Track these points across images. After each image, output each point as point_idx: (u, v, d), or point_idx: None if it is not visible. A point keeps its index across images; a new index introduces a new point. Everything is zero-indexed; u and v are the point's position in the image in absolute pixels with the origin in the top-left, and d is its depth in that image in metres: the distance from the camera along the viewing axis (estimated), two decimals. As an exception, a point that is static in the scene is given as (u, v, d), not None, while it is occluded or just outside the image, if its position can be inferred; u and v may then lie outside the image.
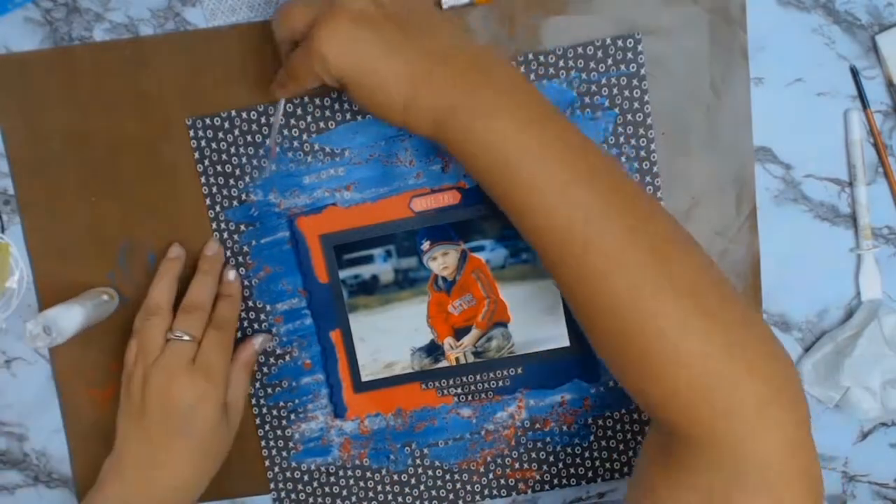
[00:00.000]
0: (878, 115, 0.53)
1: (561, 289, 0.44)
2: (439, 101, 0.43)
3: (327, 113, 0.54)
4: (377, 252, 0.55)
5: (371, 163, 0.54)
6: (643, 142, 0.53)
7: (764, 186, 0.54)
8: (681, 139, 0.53)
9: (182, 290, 0.54)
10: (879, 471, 0.58)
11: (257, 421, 0.58)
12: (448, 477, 0.58)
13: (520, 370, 0.56)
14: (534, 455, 0.57)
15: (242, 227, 0.56)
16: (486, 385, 0.57)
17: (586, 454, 0.57)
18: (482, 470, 0.58)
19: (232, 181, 0.55)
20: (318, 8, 0.44)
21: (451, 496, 0.58)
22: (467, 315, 0.56)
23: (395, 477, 0.58)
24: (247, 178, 0.55)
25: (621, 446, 0.57)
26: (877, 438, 0.57)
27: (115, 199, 0.56)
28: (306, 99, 0.54)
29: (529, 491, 0.58)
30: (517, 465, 0.58)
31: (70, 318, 0.51)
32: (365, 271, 0.55)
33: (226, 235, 0.56)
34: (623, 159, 0.53)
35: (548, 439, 0.57)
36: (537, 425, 0.57)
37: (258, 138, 0.54)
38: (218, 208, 0.56)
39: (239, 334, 0.57)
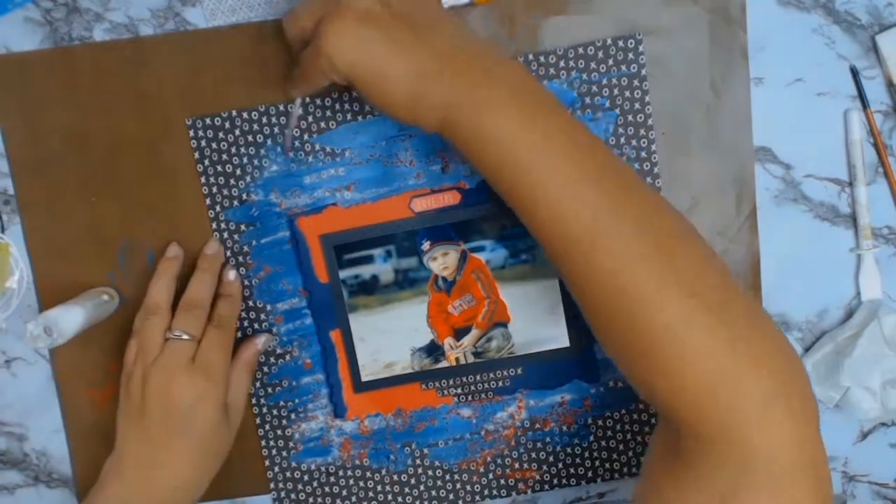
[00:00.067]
0: (878, 115, 0.53)
1: (567, 284, 0.44)
2: (446, 99, 0.43)
3: (328, 113, 0.54)
4: (377, 252, 0.55)
5: (371, 163, 0.54)
6: (644, 142, 0.53)
7: (764, 186, 0.54)
8: (681, 139, 0.53)
9: (182, 289, 0.54)
10: (879, 471, 0.58)
11: (257, 420, 0.58)
12: (448, 477, 0.58)
13: (520, 370, 0.56)
14: (534, 455, 0.57)
15: (243, 227, 0.56)
16: (486, 385, 0.57)
17: (586, 454, 0.57)
18: (482, 470, 0.58)
19: (232, 181, 0.55)
20: (325, 7, 0.44)
21: (451, 496, 0.58)
22: (467, 315, 0.56)
23: (395, 477, 0.58)
24: (247, 178, 0.55)
25: (621, 446, 0.57)
26: (877, 438, 0.57)
27: (115, 199, 0.56)
28: (307, 99, 0.54)
29: (529, 491, 0.58)
30: (517, 466, 0.58)
31: (70, 318, 0.51)
32: (365, 271, 0.55)
33: (226, 235, 0.56)
34: (623, 160, 0.53)
35: (548, 439, 0.57)
36: (537, 425, 0.57)
37: (259, 138, 0.54)
38: (218, 208, 0.56)
39: (239, 334, 0.57)
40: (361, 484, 0.58)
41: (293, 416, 0.58)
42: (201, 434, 0.51)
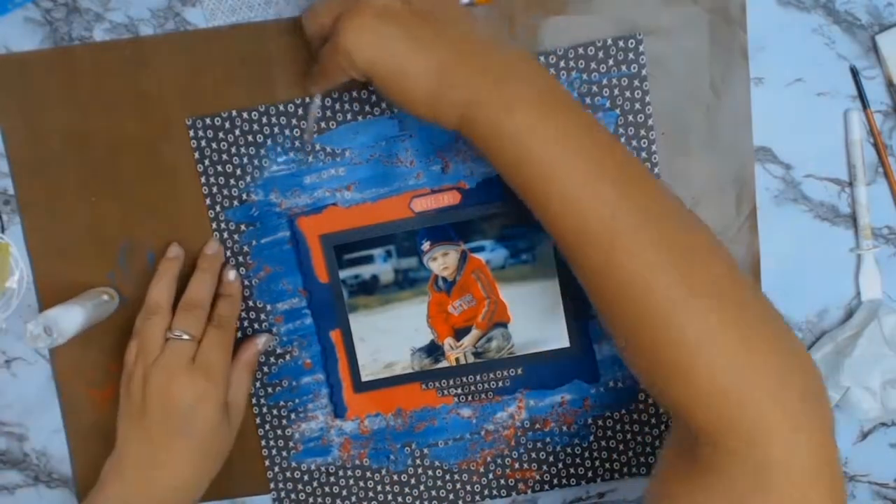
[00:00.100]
0: (878, 115, 0.53)
1: (580, 278, 0.44)
2: (466, 97, 0.43)
3: (328, 113, 0.54)
4: (377, 252, 0.55)
5: (371, 163, 0.54)
6: (644, 142, 0.53)
7: (764, 186, 0.54)
8: (681, 139, 0.53)
9: (182, 289, 0.54)
10: (879, 471, 0.58)
11: (257, 420, 0.58)
12: (448, 477, 0.58)
13: (520, 370, 0.56)
14: (534, 455, 0.57)
15: (243, 227, 0.56)
16: (486, 385, 0.57)
17: (586, 454, 0.57)
18: (482, 470, 0.58)
19: (232, 181, 0.55)
20: (344, 4, 0.44)
21: (451, 496, 0.58)
22: (467, 315, 0.56)
23: (395, 477, 0.58)
24: (247, 178, 0.55)
25: (621, 446, 0.57)
26: (877, 438, 0.57)
27: (115, 199, 0.56)
28: (308, 99, 0.54)
29: (529, 491, 0.58)
30: (517, 466, 0.58)
31: (70, 318, 0.51)
32: (365, 271, 0.55)
33: (226, 235, 0.56)
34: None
35: (548, 439, 0.57)
36: (537, 425, 0.57)
37: (259, 138, 0.54)
38: (218, 208, 0.56)
39: (239, 334, 0.57)
40: (361, 484, 0.58)
41: (293, 416, 0.58)
42: (201, 434, 0.51)
